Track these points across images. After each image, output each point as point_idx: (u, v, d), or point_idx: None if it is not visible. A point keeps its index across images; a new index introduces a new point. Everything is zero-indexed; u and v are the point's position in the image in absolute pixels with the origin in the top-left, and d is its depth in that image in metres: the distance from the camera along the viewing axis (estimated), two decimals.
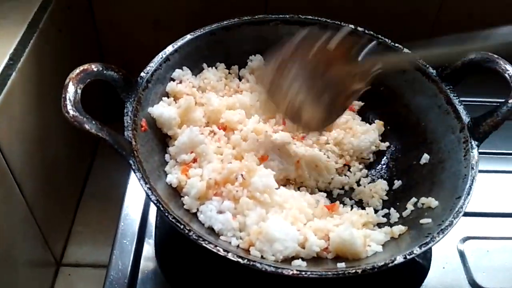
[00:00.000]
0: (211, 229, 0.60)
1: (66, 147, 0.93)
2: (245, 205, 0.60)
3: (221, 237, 0.58)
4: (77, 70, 0.59)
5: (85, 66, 0.60)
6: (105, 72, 0.61)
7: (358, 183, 0.71)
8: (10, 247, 0.74)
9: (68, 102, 0.55)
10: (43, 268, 0.89)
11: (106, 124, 0.57)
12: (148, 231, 0.73)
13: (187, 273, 0.67)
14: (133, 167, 0.57)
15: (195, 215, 0.61)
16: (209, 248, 0.52)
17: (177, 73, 0.71)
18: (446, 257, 0.69)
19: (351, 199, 0.69)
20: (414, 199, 0.64)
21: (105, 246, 0.96)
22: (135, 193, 0.77)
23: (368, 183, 0.70)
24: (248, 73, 0.77)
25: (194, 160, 0.65)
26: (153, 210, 0.75)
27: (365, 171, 0.72)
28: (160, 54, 0.70)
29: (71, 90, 0.56)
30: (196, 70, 0.74)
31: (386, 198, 0.68)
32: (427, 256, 0.68)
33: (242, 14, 0.78)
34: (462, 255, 0.70)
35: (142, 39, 1.01)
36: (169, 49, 0.71)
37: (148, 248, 0.71)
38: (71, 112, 0.54)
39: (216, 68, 0.76)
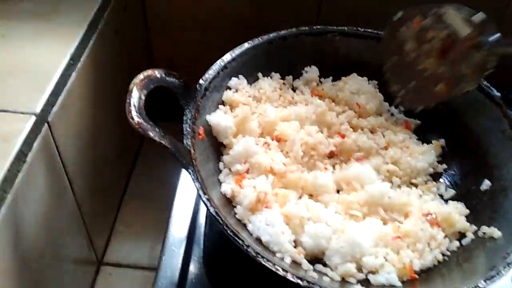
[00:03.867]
0: (258, 240, 0.59)
1: (112, 146, 0.94)
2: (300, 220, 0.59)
3: (277, 255, 0.57)
4: (141, 76, 0.59)
5: (149, 72, 0.60)
6: (167, 78, 0.61)
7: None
8: (58, 243, 0.75)
9: (132, 108, 0.55)
10: (86, 266, 0.90)
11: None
12: (197, 237, 0.73)
13: (234, 283, 0.66)
14: (192, 176, 0.57)
15: (244, 224, 0.61)
16: (268, 266, 0.51)
17: (233, 81, 0.71)
18: (499, 286, 0.66)
19: None
20: (474, 227, 0.62)
21: (146, 247, 0.97)
22: (184, 198, 0.77)
23: None
24: (303, 84, 0.76)
25: (247, 171, 0.65)
26: (202, 215, 0.75)
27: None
28: (218, 62, 0.70)
29: (135, 96, 0.57)
30: (252, 79, 0.74)
31: None
32: None
33: (292, 23, 0.77)
34: None
35: (190, 43, 1.02)
36: (227, 57, 0.71)
37: (197, 256, 0.70)
38: (136, 119, 0.54)
39: (271, 78, 0.75)
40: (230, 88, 0.71)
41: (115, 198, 1.03)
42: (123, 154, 1.05)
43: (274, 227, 0.58)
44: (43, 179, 0.65)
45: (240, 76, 0.72)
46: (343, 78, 0.76)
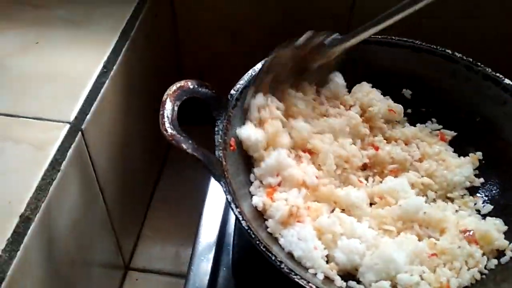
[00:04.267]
0: (290, 255, 0.58)
1: (142, 153, 0.95)
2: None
3: (310, 270, 0.56)
4: (174, 87, 0.59)
5: (182, 83, 0.60)
6: (200, 89, 0.61)
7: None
8: (89, 248, 0.75)
9: (166, 119, 0.55)
10: (114, 270, 0.91)
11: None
12: (226, 247, 0.72)
13: None
14: (224, 189, 0.56)
15: (275, 238, 0.60)
16: (302, 284, 0.50)
17: (258, 99, 0.68)
18: None
19: None
20: None
21: (172, 253, 0.97)
22: (213, 208, 0.77)
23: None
24: (330, 93, 0.74)
25: (279, 184, 0.64)
26: (231, 224, 0.75)
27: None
28: (249, 71, 0.69)
29: (169, 107, 0.56)
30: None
31: None
32: None
33: (321, 29, 0.75)
34: None
35: (219, 51, 1.01)
36: (258, 66, 0.70)
37: (226, 266, 0.70)
38: (169, 130, 0.54)
39: (303, 90, 0.73)
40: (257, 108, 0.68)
41: (143, 204, 1.03)
42: (151, 161, 1.05)
43: (306, 242, 0.57)
44: (76, 187, 0.66)
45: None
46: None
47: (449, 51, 0.72)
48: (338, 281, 0.57)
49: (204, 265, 0.68)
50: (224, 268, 0.69)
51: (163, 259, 0.97)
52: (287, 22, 0.93)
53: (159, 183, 1.09)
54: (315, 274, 0.56)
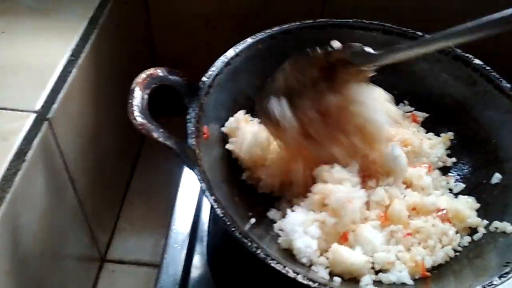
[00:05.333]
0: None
1: (114, 143, 0.93)
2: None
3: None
4: (143, 75, 0.57)
5: (151, 71, 0.58)
6: (170, 77, 0.60)
7: None
8: (60, 240, 0.74)
9: (135, 108, 0.54)
10: (89, 263, 0.90)
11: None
12: (200, 235, 0.72)
13: (240, 283, 0.65)
14: (198, 177, 0.55)
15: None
16: (278, 269, 0.50)
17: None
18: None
19: None
20: (485, 222, 0.61)
21: (149, 244, 0.96)
22: (186, 196, 0.76)
23: None
24: None
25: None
26: (205, 213, 0.74)
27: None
28: (221, 58, 0.68)
29: (138, 96, 0.55)
30: (255, 74, 0.72)
31: None
32: None
33: (295, 17, 0.75)
34: None
35: (194, 38, 0.99)
36: (230, 52, 0.69)
37: (200, 254, 0.69)
38: (139, 119, 0.53)
39: None
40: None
41: (118, 195, 1.01)
42: (125, 151, 1.03)
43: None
44: (43, 177, 0.64)
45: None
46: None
47: (419, 33, 0.72)
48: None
49: (178, 253, 0.68)
50: (199, 255, 0.68)
51: (140, 250, 0.96)
52: (261, 8, 0.92)
53: (135, 174, 1.08)
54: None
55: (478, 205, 0.63)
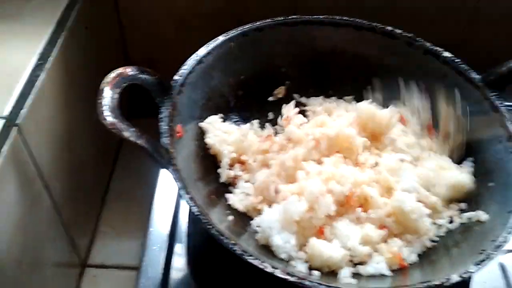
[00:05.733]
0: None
1: (91, 147, 0.92)
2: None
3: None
4: (113, 74, 0.57)
5: (120, 70, 0.58)
6: (140, 76, 0.59)
7: None
8: (37, 248, 0.72)
9: (105, 108, 0.53)
10: (69, 269, 0.88)
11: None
12: (179, 236, 0.71)
13: (221, 281, 0.65)
14: (173, 176, 0.55)
15: None
16: (256, 264, 0.50)
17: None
18: (487, 271, 0.66)
19: None
20: (460, 211, 0.62)
21: (130, 247, 0.95)
22: (164, 197, 0.76)
23: None
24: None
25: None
26: (183, 214, 0.74)
27: None
28: (192, 56, 0.68)
29: (108, 95, 0.55)
30: (228, 72, 0.72)
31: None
32: None
33: (268, 14, 0.75)
34: (503, 269, 0.67)
35: (167, 38, 0.99)
36: (202, 51, 0.69)
37: (179, 255, 0.69)
38: (109, 119, 0.53)
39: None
40: None
41: (97, 199, 1.00)
42: (103, 154, 1.02)
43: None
44: (16, 184, 0.63)
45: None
46: None
47: (389, 28, 0.73)
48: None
49: (157, 255, 0.67)
50: (178, 256, 0.68)
51: (121, 254, 0.94)
52: (235, 7, 0.92)
53: (114, 177, 1.06)
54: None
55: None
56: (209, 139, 0.66)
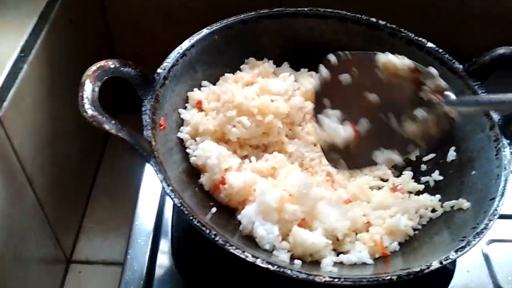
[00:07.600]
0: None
1: (76, 142, 0.91)
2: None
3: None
4: (94, 67, 0.56)
5: (102, 63, 0.57)
6: (122, 68, 0.59)
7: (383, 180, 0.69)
8: (21, 244, 0.72)
9: (85, 101, 0.53)
10: (54, 265, 0.88)
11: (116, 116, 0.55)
12: (164, 230, 0.71)
13: (205, 273, 0.65)
14: (155, 168, 0.55)
15: None
16: (237, 254, 0.50)
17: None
18: (471, 261, 0.67)
19: None
20: (443, 200, 0.63)
21: (116, 243, 0.95)
22: (149, 191, 0.75)
23: None
24: None
25: None
26: (168, 208, 0.73)
27: (388, 171, 0.70)
28: (176, 49, 0.68)
29: (88, 88, 0.54)
30: (213, 65, 0.72)
31: None
32: None
33: (255, 7, 0.75)
34: (487, 258, 0.68)
35: (154, 32, 0.98)
36: (186, 44, 0.69)
37: (164, 248, 0.69)
38: (90, 112, 0.52)
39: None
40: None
41: (82, 195, 0.99)
42: (88, 149, 1.01)
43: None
44: None
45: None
46: None
47: (374, 19, 0.73)
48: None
49: (142, 248, 0.67)
50: (164, 250, 0.67)
51: (106, 249, 0.94)
52: (221, 0, 0.92)
53: (99, 172, 1.06)
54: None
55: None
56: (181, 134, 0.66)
